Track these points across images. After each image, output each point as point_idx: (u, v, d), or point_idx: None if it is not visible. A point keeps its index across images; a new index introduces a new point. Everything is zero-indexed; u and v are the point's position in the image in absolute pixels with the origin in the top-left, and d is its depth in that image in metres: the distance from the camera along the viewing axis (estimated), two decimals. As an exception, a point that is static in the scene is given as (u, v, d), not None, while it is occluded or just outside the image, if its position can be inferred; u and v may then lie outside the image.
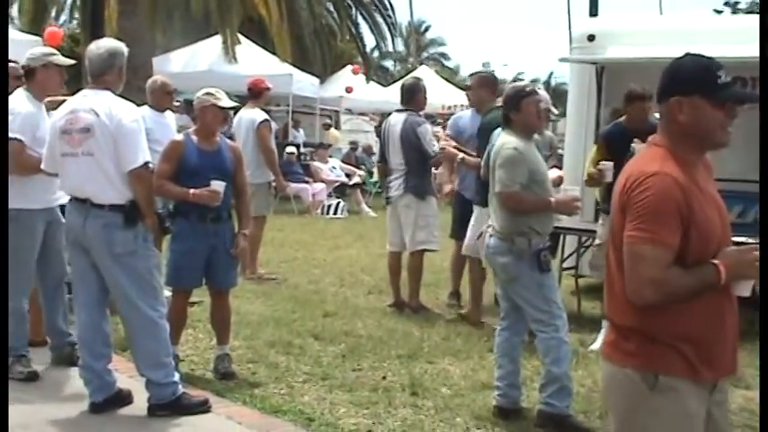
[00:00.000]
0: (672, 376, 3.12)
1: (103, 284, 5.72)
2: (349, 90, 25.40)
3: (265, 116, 10.52)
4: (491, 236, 5.86)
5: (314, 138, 23.91)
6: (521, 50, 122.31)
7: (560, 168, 9.00)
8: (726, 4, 52.64)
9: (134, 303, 5.66)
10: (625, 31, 9.88)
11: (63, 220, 6.13)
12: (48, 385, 6.28)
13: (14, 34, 17.51)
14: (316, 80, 23.92)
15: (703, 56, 3.22)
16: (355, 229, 15.60)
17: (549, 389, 5.67)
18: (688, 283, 3.04)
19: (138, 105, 6.41)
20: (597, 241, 7.83)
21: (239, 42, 21.08)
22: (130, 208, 5.59)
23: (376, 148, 14.99)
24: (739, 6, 50.79)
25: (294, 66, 22.56)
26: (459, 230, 9.10)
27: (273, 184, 10.73)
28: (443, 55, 64.91)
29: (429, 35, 66.61)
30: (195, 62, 21.17)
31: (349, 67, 27.52)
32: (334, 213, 18.23)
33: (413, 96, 9.11)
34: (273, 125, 11.40)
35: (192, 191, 6.26)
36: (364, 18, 31.66)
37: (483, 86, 8.78)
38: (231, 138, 8.27)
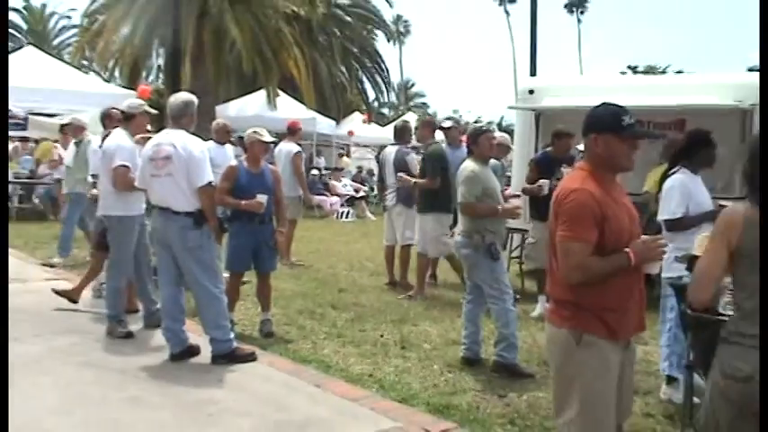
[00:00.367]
0: (594, 336, 3.12)
1: (179, 269, 5.70)
2: (350, 133, 25.40)
3: (299, 148, 10.55)
4: (458, 234, 5.86)
5: (331, 163, 23.89)
6: (480, 100, 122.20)
7: (509, 186, 9.01)
8: (628, 67, 52.86)
9: (201, 283, 5.65)
10: (556, 86, 9.87)
11: (147, 222, 6.14)
12: (139, 342, 6.25)
13: (115, 89, 17.58)
14: (332, 122, 23.93)
15: (614, 104, 3.23)
16: (361, 229, 15.57)
17: (501, 345, 5.66)
18: (605, 266, 3.04)
19: (205, 140, 6.42)
20: (530, 239, 7.80)
21: (278, 94, 21.08)
22: (199, 214, 5.58)
23: (376, 171, 15.05)
24: (638, 69, 51.01)
25: (317, 111, 22.57)
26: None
27: (302, 197, 10.73)
28: (424, 104, 64.84)
29: (414, 89, 66.66)
30: (246, 108, 21.16)
31: (357, 113, 27.54)
32: (346, 218, 18.20)
33: (403, 134, 9.12)
34: (304, 154, 11.41)
35: (243, 202, 6.31)
36: (367, 77, 31.71)
37: (424, 127, 8.87)
38: (272, 163, 8.25)
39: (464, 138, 8.20)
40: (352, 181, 21.35)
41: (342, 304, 7.77)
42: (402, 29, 66.33)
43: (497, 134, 8.34)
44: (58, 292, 7.20)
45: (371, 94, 32.94)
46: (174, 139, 5.62)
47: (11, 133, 16.23)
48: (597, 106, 3.25)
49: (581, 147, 6.97)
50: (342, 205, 18.80)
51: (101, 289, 7.61)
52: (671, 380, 5.13)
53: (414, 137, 9.18)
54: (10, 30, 42.63)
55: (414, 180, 8.43)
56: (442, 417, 4.67)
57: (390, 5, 34.57)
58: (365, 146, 27.87)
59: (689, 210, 4.93)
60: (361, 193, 20.15)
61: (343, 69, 29.70)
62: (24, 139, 17.70)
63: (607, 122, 3.16)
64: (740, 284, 2.75)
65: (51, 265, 9.28)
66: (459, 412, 4.74)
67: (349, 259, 10.91)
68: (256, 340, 6.34)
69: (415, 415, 4.69)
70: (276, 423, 4.52)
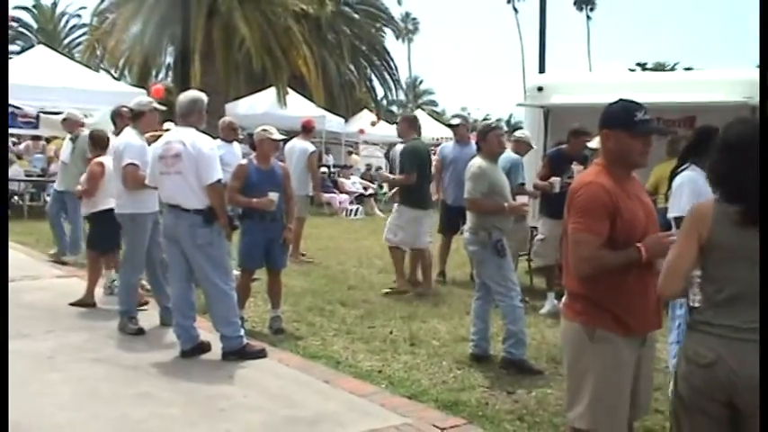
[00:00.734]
0: (607, 331, 3.13)
1: (190, 266, 5.72)
2: (361, 132, 25.39)
3: (314, 148, 10.59)
4: (466, 231, 5.86)
5: (340, 161, 23.88)
6: (489, 97, 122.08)
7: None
8: (637, 64, 52.59)
9: (211, 280, 5.67)
10: (564, 83, 9.84)
11: (160, 220, 6.16)
12: (150, 338, 6.28)
13: (126, 87, 17.64)
14: (341, 120, 23.92)
15: (629, 100, 3.24)
16: (369, 226, 15.56)
17: (509, 341, 5.65)
18: (615, 259, 3.05)
19: (214, 138, 6.44)
20: (540, 236, 7.79)
21: (287, 92, 21.09)
22: (208, 211, 5.60)
23: (385, 169, 15.08)
24: (647, 66, 50.78)
25: (326, 109, 22.58)
26: (444, 227, 9.11)
27: (311, 194, 10.76)
28: (433, 101, 64.74)
29: (422, 87, 66.57)
30: (256, 106, 21.19)
31: (366, 111, 27.55)
32: (355, 215, 18.19)
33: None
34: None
35: (254, 200, 6.32)
36: (376, 75, 31.67)
37: (404, 122, 8.79)
38: (282, 160, 8.26)
39: (473, 135, 8.23)
40: (361, 178, 21.35)
41: (351, 301, 7.78)
42: (411, 26, 66.27)
43: (519, 132, 8.35)
44: (74, 304, 7.19)
45: (380, 92, 32.94)
46: (183, 136, 5.64)
47: (22, 132, 16.32)
48: (613, 102, 3.26)
49: (591, 144, 6.98)
50: (351, 203, 18.80)
51: (112, 286, 7.66)
52: (680, 376, 5.11)
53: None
54: (20, 29, 42.85)
55: (392, 177, 8.47)
56: (451, 413, 4.68)
57: (399, 3, 34.65)
58: (374, 143, 27.88)
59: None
60: (370, 191, 20.15)
61: (352, 67, 29.70)
62: (36, 138, 17.79)
63: (619, 118, 3.18)
64: (709, 277, 2.77)
65: (63, 263, 9.33)
66: (468, 408, 4.75)
67: (358, 256, 10.91)
68: (266, 337, 6.35)
69: (425, 411, 4.70)
70: (286, 418, 4.53)
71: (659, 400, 5.00)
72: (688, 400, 2.77)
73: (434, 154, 11.14)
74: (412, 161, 8.20)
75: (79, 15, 49.00)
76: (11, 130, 14.97)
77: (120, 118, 7.45)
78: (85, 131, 8.65)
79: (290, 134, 10.64)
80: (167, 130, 6.23)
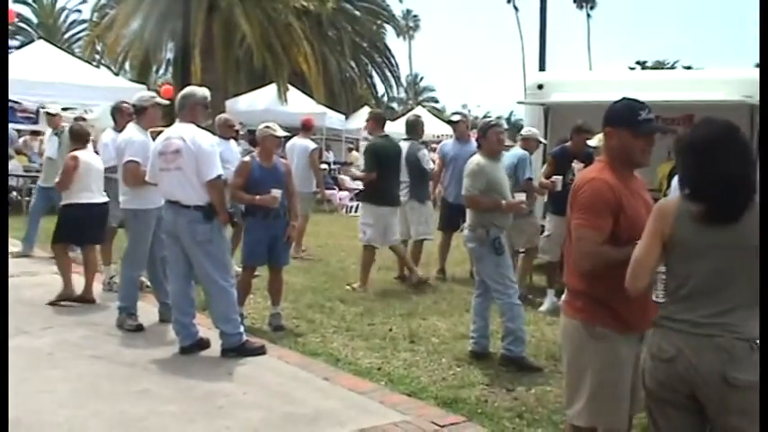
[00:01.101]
0: (606, 328, 3.14)
1: (189, 263, 5.72)
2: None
3: (315, 145, 10.66)
4: (466, 228, 5.86)
5: (341, 158, 23.86)
6: (489, 95, 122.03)
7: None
8: (637, 62, 52.60)
9: (211, 276, 5.66)
10: (565, 81, 9.83)
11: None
12: (150, 335, 6.28)
13: (126, 83, 17.62)
14: (342, 116, 23.89)
15: (633, 99, 3.26)
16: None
17: (508, 339, 5.66)
18: (617, 255, 3.06)
19: (215, 134, 6.44)
20: (546, 233, 7.78)
21: (288, 89, 21.07)
22: (208, 208, 5.59)
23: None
24: (647, 65, 50.80)
25: (326, 106, 22.55)
26: (444, 224, 9.12)
27: (314, 191, 10.82)
28: (433, 98, 64.63)
29: (423, 84, 66.50)
30: (256, 103, 21.15)
31: (366, 108, 27.52)
32: (355, 212, 18.09)
33: (415, 129, 9.11)
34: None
35: (258, 197, 6.32)
36: (377, 72, 31.65)
37: (371, 120, 8.91)
38: (283, 157, 8.25)
39: (473, 132, 8.23)
40: (361, 176, 21.31)
41: (351, 298, 7.77)
42: (411, 23, 66.23)
43: (526, 128, 8.34)
44: (74, 300, 7.19)
45: (381, 89, 32.91)
46: (183, 132, 5.63)
47: (22, 127, 16.29)
48: (617, 101, 3.28)
49: (592, 143, 6.98)
50: (351, 199, 18.77)
51: (111, 282, 7.66)
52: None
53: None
54: (20, 23, 42.76)
55: (357, 174, 8.70)
56: (450, 410, 4.68)
57: (400, 0, 34.49)
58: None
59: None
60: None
61: (353, 64, 29.67)
62: (35, 133, 17.77)
63: (623, 117, 3.20)
64: (672, 273, 2.84)
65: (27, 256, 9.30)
66: (467, 406, 4.75)
67: (358, 254, 10.83)
68: (266, 334, 6.35)
69: (424, 408, 4.70)
70: (285, 416, 4.53)
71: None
72: (655, 394, 2.87)
73: (434, 151, 11.16)
74: (372, 159, 8.32)
75: (79, 11, 49.02)
76: (10, 125, 14.93)
77: (121, 114, 7.44)
78: (63, 126, 8.67)
79: (291, 131, 10.64)
80: (167, 125, 6.22)
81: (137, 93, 7.69)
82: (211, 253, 5.63)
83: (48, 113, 9.80)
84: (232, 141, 8.71)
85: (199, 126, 5.75)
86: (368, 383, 5.14)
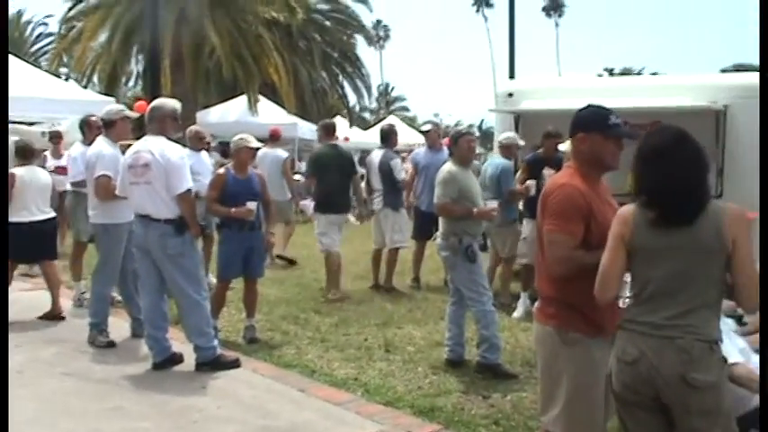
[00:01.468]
0: (579, 333, 3.16)
1: (161, 277, 5.67)
2: (346, 140, 25.34)
3: (287, 154, 10.71)
4: (439, 236, 5.88)
5: (313, 168, 23.79)
6: (461, 103, 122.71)
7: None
8: (605, 69, 53.28)
9: (183, 290, 5.62)
10: (534, 89, 9.91)
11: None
12: (122, 351, 6.21)
13: (94, 96, 17.42)
14: (313, 127, 23.74)
15: (600, 105, 3.33)
16: (343, 233, 15.52)
17: (483, 346, 5.67)
18: (590, 259, 3.09)
19: (186, 147, 6.40)
20: (522, 236, 7.83)
21: (259, 100, 21.00)
22: (179, 221, 5.55)
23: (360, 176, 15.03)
24: (615, 71, 51.48)
25: (298, 116, 22.49)
26: (417, 233, 9.13)
27: (290, 197, 10.94)
28: (405, 107, 64.89)
29: (394, 93, 66.71)
30: (227, 114, 21.03)
31: (339, 117, 27.52)
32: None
33: (389, 137, 9.14)
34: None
35: (233, 210, 6.30)
36: (348, 82, 31.63)
37: (320, 128, 9.13)
38: (255, 167, 8.21)
39: (445, 141, 8.26)
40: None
41: (325, 309, 7.75)
42: (382, 33, 66.45)
43: (504, 135, 8.38)
44: (42, 317, 7.09)
45: (352, 99, 32.88)
46: (152, 146, 5.59)
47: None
48: (584, 107, 3.32)
49: (562, 147, 7.04)
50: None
51: (81, 298, 7.56)
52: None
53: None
54: (-14, 38, 42.16)
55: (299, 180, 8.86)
56: (426, 419, 4.68)
57: (370, 10, 34.42)
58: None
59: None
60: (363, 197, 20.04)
61: (324, 74, 29.62)
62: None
63: (594, 122, 3.24)
64: (635, 277, 2.91)
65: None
66: (443, 414, 4.75)
67: (332, 264, 10.87)
68: (240, 347, 6.31)
69: (400, 417, 4.69)
70: (261, 429, 4.50)
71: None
72: (622, 397, 2.92)
73: (405, 161, 11.18)
74: (312, 166, 8.75)
75: (46, 23, 48.42)
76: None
77: (89, 127, 7.37)
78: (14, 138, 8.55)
79: (264, 142, 10.63)
80: (137, 139, 6.17)
81: (105, 105, 7.63)
82: (183, 266, 5.58)
83: (56, 133, 9.69)
84: (203, 153, 8.66)
85: (169, 138, 5.71)
86: (344, 394, 5.12)
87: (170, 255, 5.54)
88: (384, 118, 36.22)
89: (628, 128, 3.39)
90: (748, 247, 2.77)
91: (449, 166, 5.86)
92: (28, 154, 7.46)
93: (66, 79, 21.54)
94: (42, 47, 45.87)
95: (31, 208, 7.14)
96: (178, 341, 5.91)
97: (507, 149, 8.12)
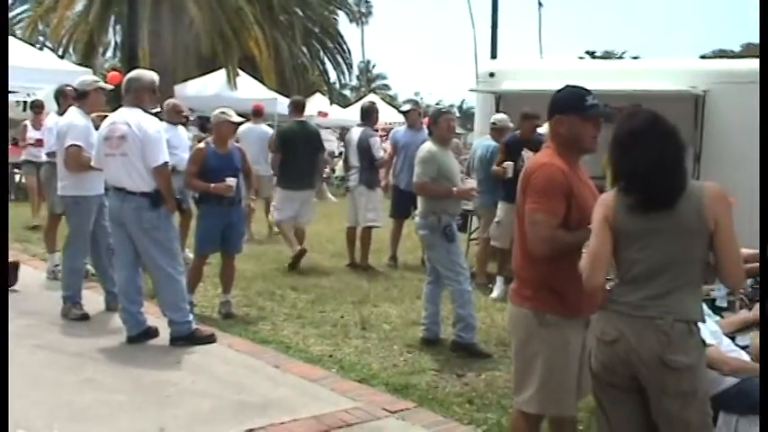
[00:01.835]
0: (555, 315, 3.18)
1: (136, 250, 5.63)
2: (323, 114, 25.19)
3: (272, 131, 10.63)
4: (417, 215, 5.88)
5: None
6: (442, 82, 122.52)
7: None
8: (587, 52, 53.33)
9: (158, 264, 5.58)
10: (516, 70, 9.90)
11: (107, 203, 6.05)
12: (96, 324, 6.18)
13: (71, 66, 17.17)
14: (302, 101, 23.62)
15: (577, 86, 3.31)
16: (321, 210, 15.39)
17: (459, 325, 5.70)
18: (570, 239, 3.11)
19: (163, 120, 6.34)
20: (496, 219, 7.84)
21: (238, 74, 20.79)
22: (155, 195, 5.50)
23: (338, 153, 15.06)
24: (596, 54, 51.57)
25: (277, 92, 22.32)
26: (395, 212, 9.13)
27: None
28: (386, 86, 64.53)
29: (375, 71, 66.33)
30: (206, 88, 20.81)
31: (318, 94, 27.36)
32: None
33: (369, 115, 9.10)
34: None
35: (212, 185, 6.27)
36: (329, 58, 31.43)
37: (290, 106, 9.52)
38: (237, 141, 8.13)
39: (426, 120, 8.24)
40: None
41: (302, 286, 7.74)
42: (364, 10, 65.90)
43: (497, 117, 8.37)
44: None
45: (333, 76, 32.69)
46: (128, 117, 5.52)
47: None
48: (561, 88, 3.31)
49: (542, 130, 7.05)
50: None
51: (55, 270, 7.49)
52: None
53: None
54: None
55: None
56: (401, 396, 4.70)
57: (352, -14, 34.38)
58: (326, 127, 27.75)
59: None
60: (323, 175, 20.02)
61: (305, 50, 29.39)
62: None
63: (571, 103, 3.23)
64: (619, 260, 2.91)
65: None
66: (418, 392, 4.78)
67: (309, 240, 10.83)
68: (216, 322, 6.30)
69: (375, 395, 4.71)
70: (236, 404, 4.50)
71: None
72: (600, 377, 2.94)
73: (385, 139, 11.16)
74: (278, 142, 8.98)
75: (21, -9, 47.49)
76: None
77: (65, 97, 7.27)
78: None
79: (243, 117, 10.55)
80: (113, 110, 6.10)
81: (80, 76, 7.52)
82: (158, 240, 5.54)
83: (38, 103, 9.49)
84: (180, 127, 8.58)
85: (146, 111, 5.64)
86: (319, 371, 5.13)
87: (145, 228, 5.50)
88: (365, 95, 35.99)
89: (609, 110, 3.38)
90: (729, 225, 2.78)
91: (428, 146, 5.85)
92: None
93: (41, 48, 21.14)
94: (17, 14, 45.09)
95: None
96: (153, 315, 5.88)
97: (499, 132, 8.10)
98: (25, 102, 14.00)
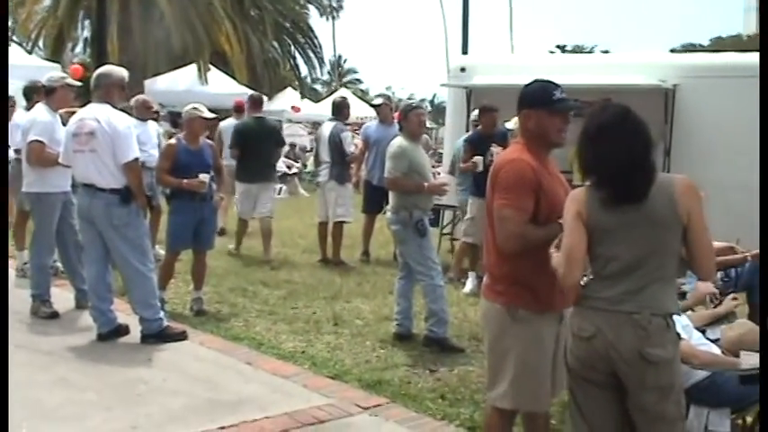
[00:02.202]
0: (527, 310, 3.17)
1: (106, 247, 5.56)
2: (295, 109, 25.08)
3: None
4: (389, 210, 5.87)
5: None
6: (413, 77, 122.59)
7: (440, 162, 9.05)
8: (557, 46, 53.71)
9: (129, 261, 5.52)
10: (487, 65, 9.91)
11: (74, 201, 5.97)
12: (65, 322, 6.09)
13: (39, 62, 16.89)
14: (265, 98, 23.46)
15: (545, 80, 3.30)
16: (293, 206, 15.42)
17: (431, 320, 5.70)
18: (540, 234, 3.10)
19: (132, 116, 6.27)
20: (468, 215, 7.86)
21: (209, 69, 20.63)
22: (125, 191, 5.44)
23: (309, 148, 15.00)
24: (567, 48, 51.94)
25: (249, 87, 22.11)
26: (367, 207, 9.12)
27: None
28: (357, 80, 64.40)
29: (347, 65, 66.12)
30: (176, 83, 20.59)
31: (290, 89, 27.23)
32: (278, 194, 17.94)
33: (341, 110, 9.07)
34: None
35: (185, 181, 6.23)
36: (300, 53, 31.30)
37: (248, 102, 9.74)
38: (210, 138, 8.05)
39: (397, 115, 8.22)
40: (285, 157, 21.10)
41: (274, 282, 7.70)
42: (335, 4, 65.64)
43: (475, 113, 8.36)
44: None
45: (304, 70, 32.56)
46: (98, 113, 5.45)
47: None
48: (530, 83, 3.30)
49: (509, 125, 7.06)
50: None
51: (24, 268, 7.36)
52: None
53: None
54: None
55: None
56: (374, 392, 4.69)
57: (323, -20, 34.24)
58: (297, 122, 27.61)
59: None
60: (294, 170, 19.95)
61: (276, 45, 29.24)
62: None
63: (539, 98, 3.22)
64: (593, 255, 2.88)
65: None
66: (391, 387, 4.77)
67: (281, 236, 10.78)
68: (187, 319, 6.24)
69: (348, 391, 4.69)
70: (208, 402, 4.46)
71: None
72: (576, 372, 2.92)
73: (357, 134, 11.13)
74: (235, 138, 9.05)
75: (-12, -16, 46.68)
76: None
77: (39, 94, 7.15)
78: None
79: (215, 112, 10.47)
80: (82, 106, 6.01)
81: (48, 72, 7.40)
82: (128, 237, 5.48)
83: None
84: (150, 123, 8.46)
85: (115, 107, 5.56)
86: (291, 367, 5.10)
87: (115, 225, 5.43)
88: (336, 90, 35.90)
89: (576, 103, 3.37)
90: (701, 218, 2.79)
91: (399, 141, 5.84)
92: None
93: (9, 43, 20.79)
94: (-16, 8, 44.33)
95: None
96: (124, 312, 5.81)
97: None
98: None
